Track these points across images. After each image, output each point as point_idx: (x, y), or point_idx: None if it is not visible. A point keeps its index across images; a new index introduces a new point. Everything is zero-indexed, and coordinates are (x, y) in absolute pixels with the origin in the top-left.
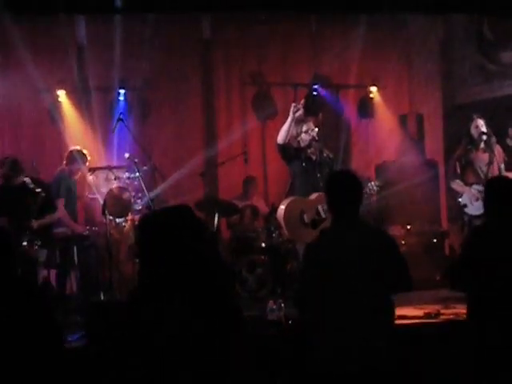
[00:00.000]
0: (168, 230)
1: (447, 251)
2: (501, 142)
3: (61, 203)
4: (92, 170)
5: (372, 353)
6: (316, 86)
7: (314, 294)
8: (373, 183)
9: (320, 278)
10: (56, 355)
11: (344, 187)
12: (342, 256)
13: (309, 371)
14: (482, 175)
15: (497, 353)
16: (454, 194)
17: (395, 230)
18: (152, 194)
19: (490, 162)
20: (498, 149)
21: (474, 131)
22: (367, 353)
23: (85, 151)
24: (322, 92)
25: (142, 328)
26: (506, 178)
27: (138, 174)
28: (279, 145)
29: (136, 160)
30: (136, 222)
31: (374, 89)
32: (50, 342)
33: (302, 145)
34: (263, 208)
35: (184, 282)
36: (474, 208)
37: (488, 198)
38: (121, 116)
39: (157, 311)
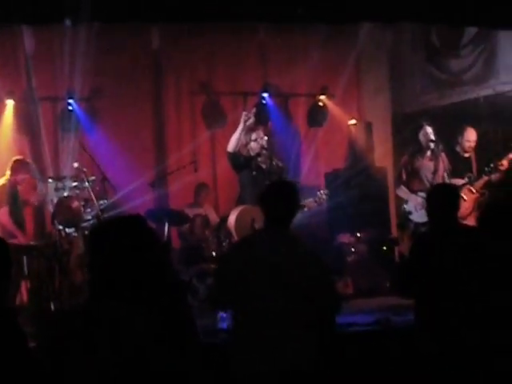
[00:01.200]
0: (118, 239)
1: (397, 258)
2: (450, 149)
3: (4, 211)
4: (41, 179)
5: (293, 356)
6: (265, 95)
7: (229, 299)
8: (322, 191)
9: (236, 279)
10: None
11: (280, 197)
12: (261, 261)
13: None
14: (427, 183)
15: (442, 359)
16: (400, 201)
17: (345, 238)
18: (102, 204)
19: (436, 170)
20: (443, 157)
21: (422, 139)
22: (288, 356)
23: (28, 160)
24: (272, 101)
25: (97, 337)
26: (448, 184)
27: (87, 183)
28: (229, 153)
29: (85, 170)
30: (86, 232)
31: (323, 97)
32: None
33: (252, 153)
34: (213, 217)
35: (136, 291)
36: (419, 215)
37: (430, 205)
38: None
39: (110, 322)
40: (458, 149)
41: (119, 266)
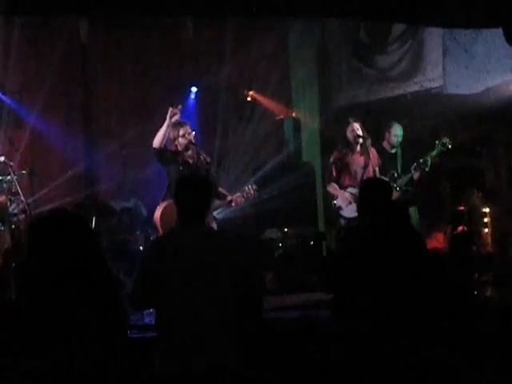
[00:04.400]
0: (61, 232)
1: (325, 253)
2: (377, 144)
3: None
4: None
5: (217, 352)
6: (193, 90)
7: (150, 294)
8: (249, 187)
9: (157, 279)
10: None
11: (188, 191)
12: (178, 258)
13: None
14: (357, 178)
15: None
16: (330, 197)
17: (272, 233)
18: (29, 198)
19: (366, 165)
20: (373, 152)
21: (349, 135)
22: (212, 352)
23: None
24: (200, 95)
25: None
26: (379, 179)
27: (13, 177)
28: (154, 149)
29: (11, 163)
30: (12, 226)
31: (251, 92)
32: None
33: (180, 148)
34: (142, 211)
35: (70, 286)
36: (348, 211)
37: (360, 199)
38: None
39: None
40: (384, 144)
41: (60, 257)
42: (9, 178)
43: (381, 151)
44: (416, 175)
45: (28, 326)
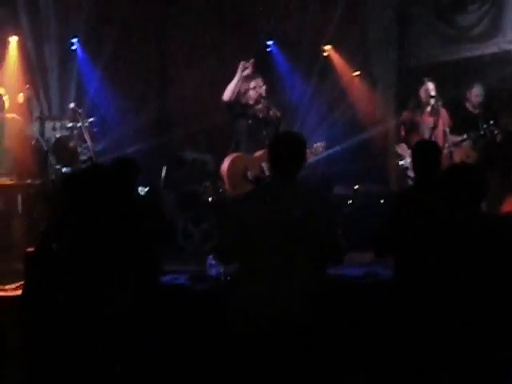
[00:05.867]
0: (93, 188)
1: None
2: (456, 105)
3: None
4: (39, 118)
5: (286, 311)
6: (270, 43)
7: (237, 248)
8: (319, 143)
9: (245, 233)
10: None
11: (286, 147)
12: (270, 214)
13: (228, 329)
14: (426, 138)
15: (423, 320)
16: (398, 157)
17: (341, 190)
18: (98, 146)
19: (435, 126)
20: (444, 112)
21: (423, 94)
22: (280, 311)
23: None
24: (275, 49)
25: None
26: (428, 141)
27: (82, 124)
28: (224, 102)
29: (80, 110)
30: None
31: (327, 47)
32: None
33: (250, 102)
34: (211, 163)
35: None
36: None
37: (414, 161)
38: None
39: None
40: (466, 105)
41: (95, 213)
42: (79, 124)
43: (460, 111)
44: (494, 136)
45: (69, 273)
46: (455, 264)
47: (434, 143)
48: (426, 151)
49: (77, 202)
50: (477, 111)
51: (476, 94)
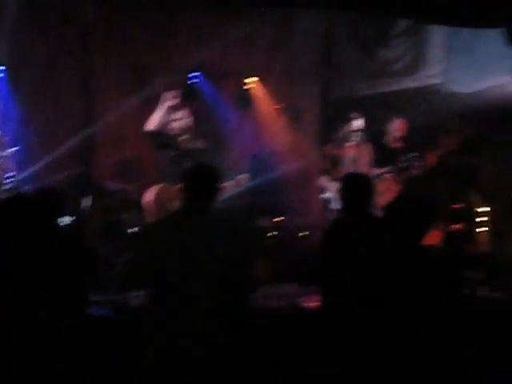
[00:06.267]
0: (18, 215)
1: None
2: (377, 139)
3: None
4: None
5: (195, 339)
6: (194, 74)
7: (146, 274)
8: (243, 175)
9: (154, 259)
10: None
11: (198, 180)
12: (179, 241)
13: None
14: (349, 171)
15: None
16: (320, 190)
17: (266, 222)
18: (23, 174)
19: (358, 159)
20: (367, 145)
21: (348, 129)
22: (190, 338)
23: None
24: (200, 80)
25: None
26: (359, 174)
27: (7, 152)
28: (147, 132)
29: (7, 138)
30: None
31: (252, 79)
32: None
33: (174, 133)
34: (135, 193)
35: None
36: (337, 203)
37: (342, 193)
38: None
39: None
40: (385, 139)
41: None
42: (4, 153)
43: (381, 146)
44: (414, 170)
45: None
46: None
47: (365, 176)
48: (357, 184)
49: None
50: (397, 145)
51: (396, 127)
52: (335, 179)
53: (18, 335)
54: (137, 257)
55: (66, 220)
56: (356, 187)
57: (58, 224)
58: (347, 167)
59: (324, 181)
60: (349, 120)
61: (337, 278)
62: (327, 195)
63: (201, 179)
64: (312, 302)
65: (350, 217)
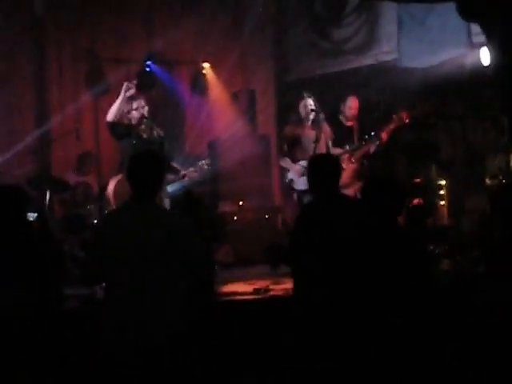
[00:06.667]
0: None
1: (280, 226)
2: (333, 118)
3: None
4: None
5: (159, 331)
6: (149, 63)
7: (102, 269)
8: (203, 161)
9: (107, 254)
10: None
11: (142, 167)
12: (129, 235)
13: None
14: (309, 152)
15: (319, 327)
16: (282, 171)
17: (227, 207)
18: None
19: (317, 139)
20: (325, 126)
21: (302, 109)
22: (154, 332)
23: None
24: (155, 69)
25: None
26: (328, 155)
27: None
28: (108, 122)
29: None
30: None
31: (206, 65)
32: None
33: (133, 122)
34: (96, 185)
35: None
36: (300, 183)
37: (310, 175)
38: None
39: None
40: (340, 117)
41: None
42: None
43: (336, 124)
44: (371, 148)
45: None
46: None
47: (332, 156)
48: (326, 165)
49: None
50: (352, 123)
51: (350, 106)
52: (296, 160)
53: None
54: (90, 252)
55: (30, 216)
56: (325, 168)
57: (26, 219)
58: (307, 148)
59: (285, 162)
60: (304, 100)
61: (314, 262)
62: (289, 177)
63: (143, 167)
64: (280, 289)
65: (321, 198)
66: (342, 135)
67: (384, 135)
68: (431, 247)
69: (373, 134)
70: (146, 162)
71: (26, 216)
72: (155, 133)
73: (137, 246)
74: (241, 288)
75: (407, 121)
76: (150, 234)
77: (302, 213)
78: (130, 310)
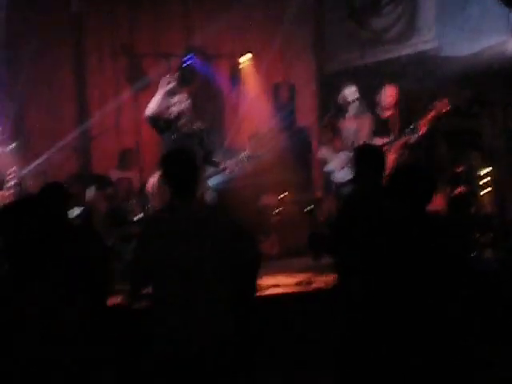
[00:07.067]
0: (32, 216)
1: (322, 219)
2: (371, 108)
3: None
4: None
5: (213, 334)
6: (188, 57)
7: (151, 269)
8: (244, 154)
9: (157, 254)
10: None
11: (179, 165)
12: (178, 230)
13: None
14: (349, 142)
15: (363, 319)
16: (322, 162)
17: (268, 200)
18: (23, 171)
19: (358, 130)
20: (366, 116)
21: (342, 99)
22: (207, 334)
23: None
24: (196, 62)
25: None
26: (374, 146)
27: (7, 148)
28: (147, 117)
29: (4, 135)
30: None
31: (246, 58)
32: None
33: (173, 116)
34: (138, 180)
35: (49, 262)
36: (340, 175)
37: (356, 166)
38: None
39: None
40: (378, 108)
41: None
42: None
43: (375, 114)
44: (413, 138)
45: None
46: (403, 265)
47: (378, 147)
48: (373, 156)
49: (13, 234)
50: (389, 113)
51: (387, 94)
52: (336, 151)
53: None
54: (136, 257)
55: (75, 212)
56: (372, 160)
57: (68, 217)
58: (347, 139)
59: (325, 154)
60: (344, 91)
61: (357, 254)
62: (329, 168)
63: (177, 167)
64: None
65: (365, 190)
66: (380, 126)
67: (423, 127)
68: (476, 236)
69: (412, 126)
70: (178, 161)
71: (67, 213)
72: (195, 126)
73: (181, 245)
74: (283, 281)
75: (448, 108)
76: (197, 233)
77: (344, 204)
78: (181, 311)
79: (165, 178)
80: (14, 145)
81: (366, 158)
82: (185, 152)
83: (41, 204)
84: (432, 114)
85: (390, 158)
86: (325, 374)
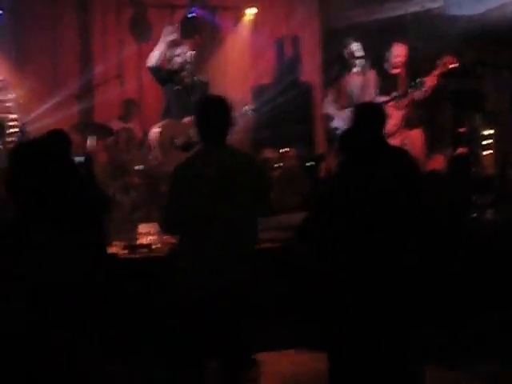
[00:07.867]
0: (40, 158)
1: (322, 173)
2: (377, 66)
3: None
4: None
5: (234, 277)
6: (193, 8)
7: (182, 214)
8: (247, 107)
9: (187, 198)
10: None
11: (212, 111)
12: (208, 176)
13: (174, 295)
14: (354, 99)
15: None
16: (327, 119)
17: (269, 153)
18: (27, 118)
19: (364, 87)
20: (372, 73)
21: (347, 55)
22: (229, 277)
23: None
24: (199, 14)
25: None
26: (371, 103)
27: (10, 96)
28: (149, 67)
29: (8, 82)
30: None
31: (251, 10)
32: None
33: (174, 68)
34: (139, 131)
35: (57, 206)
36: None
37: (355, 123)
38: None
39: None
40: (386, 66)
41: (41, 182)
42: (5, 97)
43: (382, 72)
44: (416, 95)
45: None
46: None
47: (378, 105)
48: (369, 112)
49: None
50: (398, 71)
51: (396, 53)
52: (342, 107)
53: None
54: (171, 201)
55: (76, 160)
56: (369, 116)
57: (73, 164)
58: (353, 95)
59: (330, 109)
60: (349, 47)
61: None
62: (334, 124)
63: (215, 111)
64: None
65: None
66: (387, 83)
67: (429, 81)
68: (476, 197)
69: (418, 80)
70: (215, 106)
71: (73, 159)
72: (198, 79)
73: (214, 188)
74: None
75: (454, 65)
76: (227, 175)
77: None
78: (205, 253)
79: (198, 124)
80: (17, 92)
81: (362, 116)
82: (220, 99)
83: (49, 145)
84: (438, 70)
85: (396, 116)
86: None
